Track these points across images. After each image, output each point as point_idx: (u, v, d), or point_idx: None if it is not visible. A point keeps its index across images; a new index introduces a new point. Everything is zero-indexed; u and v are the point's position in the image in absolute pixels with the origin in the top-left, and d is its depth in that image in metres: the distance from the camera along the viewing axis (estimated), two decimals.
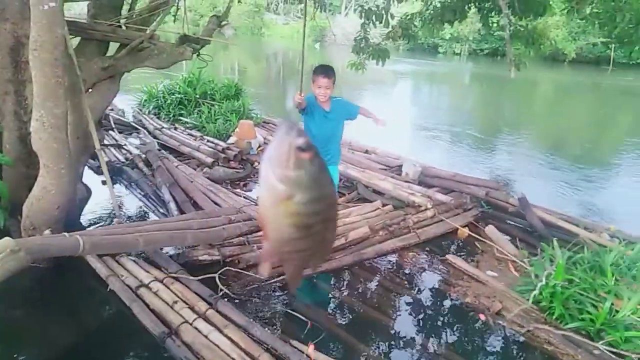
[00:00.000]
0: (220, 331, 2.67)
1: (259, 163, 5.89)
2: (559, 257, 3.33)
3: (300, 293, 3.31)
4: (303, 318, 2.97)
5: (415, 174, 5.31)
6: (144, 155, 5.67)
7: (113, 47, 4.11)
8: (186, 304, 2.90)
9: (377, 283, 3.53)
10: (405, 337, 2.96)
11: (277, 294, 3.25)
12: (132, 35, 3.97)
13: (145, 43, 3.92)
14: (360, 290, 3.41)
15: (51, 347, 2.76)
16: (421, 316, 3.21)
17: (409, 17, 5.70)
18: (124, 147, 6.17)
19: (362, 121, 3.77)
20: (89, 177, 4.74)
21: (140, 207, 4.65)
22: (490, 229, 4.24)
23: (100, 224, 4.16)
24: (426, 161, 5.88)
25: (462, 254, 4.04)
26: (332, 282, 3.49)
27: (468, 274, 3.66)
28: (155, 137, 6.69)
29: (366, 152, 6.46)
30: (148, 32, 3.90)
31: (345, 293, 3.37)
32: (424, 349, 2.86)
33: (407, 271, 3.73)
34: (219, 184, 5.09)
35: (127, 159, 5.77)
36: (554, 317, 3.08)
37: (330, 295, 3.36)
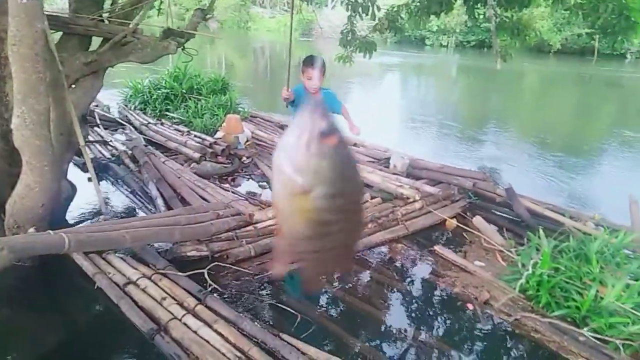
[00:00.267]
0: (210, 326, 2.66)
1: (247, 158, 5.88)
2: (545, 246, 3.37)
3: (289, 286, 3.31)
4: (293, 311, 2.97)
5: (403, 167, 5.33)
6: (130, 152, 5.61)
7: (96, 41, 4.04)
8: (175, 300, 2.89)
9: (366, 275, 3.54)
10: (395, 328, 2.98)
11: (266, 288, 3.25)
12: (115, 29, 3.91)
13: (129, 37, 3.87)
14: (349, 283, 3.42)
15: (38, 346, 2.73)
16: (410, 307, 3.24)
17: (395, 9, 5.70)
18: (109, 143, 6.09)
19: (351, 114, 3.76)
20: (75, 175, 4.68)
21: (127, 203, 4.60)
22: (478, 220, 4.28)
23: (87, 221, 4.11)
24: (414, 153, 5.91)
25: (450, 245, 4.07)
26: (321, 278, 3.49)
27: (456, 264, 3.69)
28: (141, 133, 6.62)
29: (354, 145, 6.46)
30: (131, 26, 3.85)
31: (334, 286, 3.38)
32: (413, 340, 2.89)
33: (396, 263, 3.75)
34: (207, 179, 5.05)
35: (113, 155, 5.70)
36: (540, 305, 3.12)
37: (319, 289, 3.37)
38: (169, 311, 2.77)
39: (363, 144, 6.45)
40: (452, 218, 4.42)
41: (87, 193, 4.40)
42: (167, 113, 7.66)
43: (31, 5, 2.73)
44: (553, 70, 23.95)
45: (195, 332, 2.61)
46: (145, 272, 3.14)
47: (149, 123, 6.94)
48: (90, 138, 6.07)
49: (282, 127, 7.24)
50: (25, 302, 3.09)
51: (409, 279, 3.57)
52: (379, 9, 5.47)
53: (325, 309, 3.16)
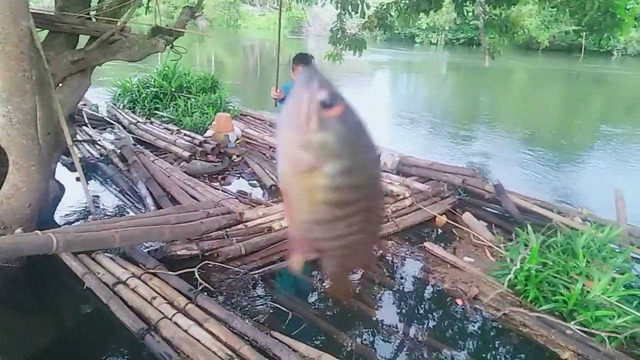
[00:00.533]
0: (201, 325, 2.66)
1: (237, 156, 5.86)
2: (533, 241, 3.41)
3: (280, 284, 3.31)
4: (284, 309, 2.98)
5: (393, 164, 5.35)
6: (119, 151, 5.57)
7: (83, 40, 4.00)
8: (165, 299, 2.88)
9: (357, 272, 3.56)
10: (385, 325, 3.00)
11: (257, 286, 3.25)
12: (103, 27, 3.87)
13: (117, 35, 3.83)
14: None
15: (27, 347, 2.70)
16: (401, 304, 3.26)
17: (384, 6, 5.70)
18: (98, 142, 6.04)
19: None
20: (63, 174, 4.63)
21: (116, 203, 4.56)
22: (467, 216, 4.31)
23: (75, 221, 4.07)
24: (404, 151, 5.93)
25: (440, 241, 4.10)
26: (312, 273, 3.50)
27: (446, 260, 3.72)
28: (130, 132, 6.57)
29: None
30: (119, 24, 3.81)
31: (325, 283, 3.39)
32: (404, 336, 2.91)
33: (386, 260, 3.77)
34: (197, 177, 5.04)
35: (101, 154, 5.66)
36: (528, 299, 3.16)
37: (310, 286, 3.38)
38: (159, 310, 2.76)
39: None
40: (441, 214, 4.45)
41: (76, 193, 4.35)
42: (157, 112, 7.60)
43: (16, 3, 2.70)
44: (541, 68, 24.17)
45: (185, 331, 2.61)
46: (135, 271, 3.13)
47: (138, 122, 6.89)
48: (79, 137, 6.00)
49: (273, 125, 7.22)
50: (14, 303, 3.06)
51: (399, 276, 3.60)
52: (368, 6, 5.47)
53: (316, 306, 3.17)
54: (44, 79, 3.34)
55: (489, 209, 4.74)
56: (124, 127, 6.81)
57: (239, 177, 5.44)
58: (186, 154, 5.62)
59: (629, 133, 9.84)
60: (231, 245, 3.55)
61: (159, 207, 4.21)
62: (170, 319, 2.69)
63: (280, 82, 3.73)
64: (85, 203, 4.20)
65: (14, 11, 2.70)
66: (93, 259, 3.22)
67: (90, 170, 5.08)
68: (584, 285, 3.04)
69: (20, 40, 2.76)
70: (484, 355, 2.83)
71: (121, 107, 7.83)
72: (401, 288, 3.43)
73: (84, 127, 6.59)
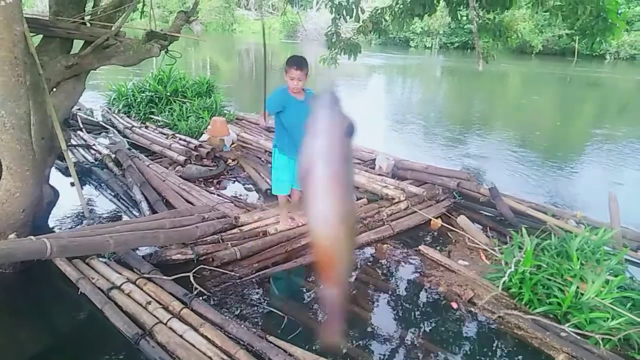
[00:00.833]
0: (196, 330, 2.65)
1: (232, 160, 5.86)
2: (527, 244, 3.42)
3: (275, 288, 3.31)
4: (279, 313, 2.97)
5: (388, 167, 5.37)
6: (113, 155, 5.55)
7: (78, 44, 4.00)
8: (160, 304, 2.87)
9: (352, 276, 3.56)
10: (381, 329, 3.00)
11: (252, 290, 3.25)
12: (97, 32, 3.88)
13: (111, 40, 3.84)
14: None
15: (21, 353, 2.69)
16: (397, 307, 3.26)
17: (379, 11, 5.73)
18: (92, 147, 6.03)
19: None
20: (57, 179, 4.62)
21: (111, 208, 4.55)
22: (462, 219, 4.33)
23: (70, 226, 4.06)
24: (399, 154, 5.95)
25: (435, 244, 4.11)
26: (307, 276, 3.50)
27: (441, 264, 3.73)
28: (125, 137, 6.56)
29: None
30: (114, 28, 3.82)
31: (321, 287, 3.38)
32: (400, 339, 2.91)
33: (382, 263, 3.78)
34: (192, 182, 5.03)
35: (96, 159, 5.64)
36: (523, 302, 3.17)
37: (305, 290, 3.38)
38: (154, 315, 2.75)
39: None
40: (436, 218, 4.46)
41: (70, 198, 4.34)
42: (152, 116, 7.60)
43: (10, 8, 2.69)
44: (535, 71, 24.31)
45: (180, 336, 2.60)
46: (130, 276, 3.12)
47: (133, 126, 6.88)
48: (73, 142, 6.00)
49: (268, 129, 7.22)
50: (7, 308, 3.04)
51: (394, 279, 3.60)
52: (362, 11, 5.50)
53: (311, 310, 3.17)
54: (38, 83, 3.34)
55: (483, 212, 4.76)
56: (119, 132, 6.79)
57: (234, 181, 5.43)
58: (181, 158, 5.61)
59: (622, 136, 9.92)
60: (226, 249, 3.54)
61: (154, 211, 4.20)
62: (165, 324, 2.68)
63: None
64: (80, 208, 4.19)
65: (8, 16, 2.69)
66: (87, 264, 3.21)
67: (84, 174, 5.06)
68: (578, 287, 3.05)
69: (14, 45, 2.75)
70: (479, 358, 2.83)
71: (116, 111, 7.82)
72: (397, 291, 3.44)
73: (78, 132, 6.58)
